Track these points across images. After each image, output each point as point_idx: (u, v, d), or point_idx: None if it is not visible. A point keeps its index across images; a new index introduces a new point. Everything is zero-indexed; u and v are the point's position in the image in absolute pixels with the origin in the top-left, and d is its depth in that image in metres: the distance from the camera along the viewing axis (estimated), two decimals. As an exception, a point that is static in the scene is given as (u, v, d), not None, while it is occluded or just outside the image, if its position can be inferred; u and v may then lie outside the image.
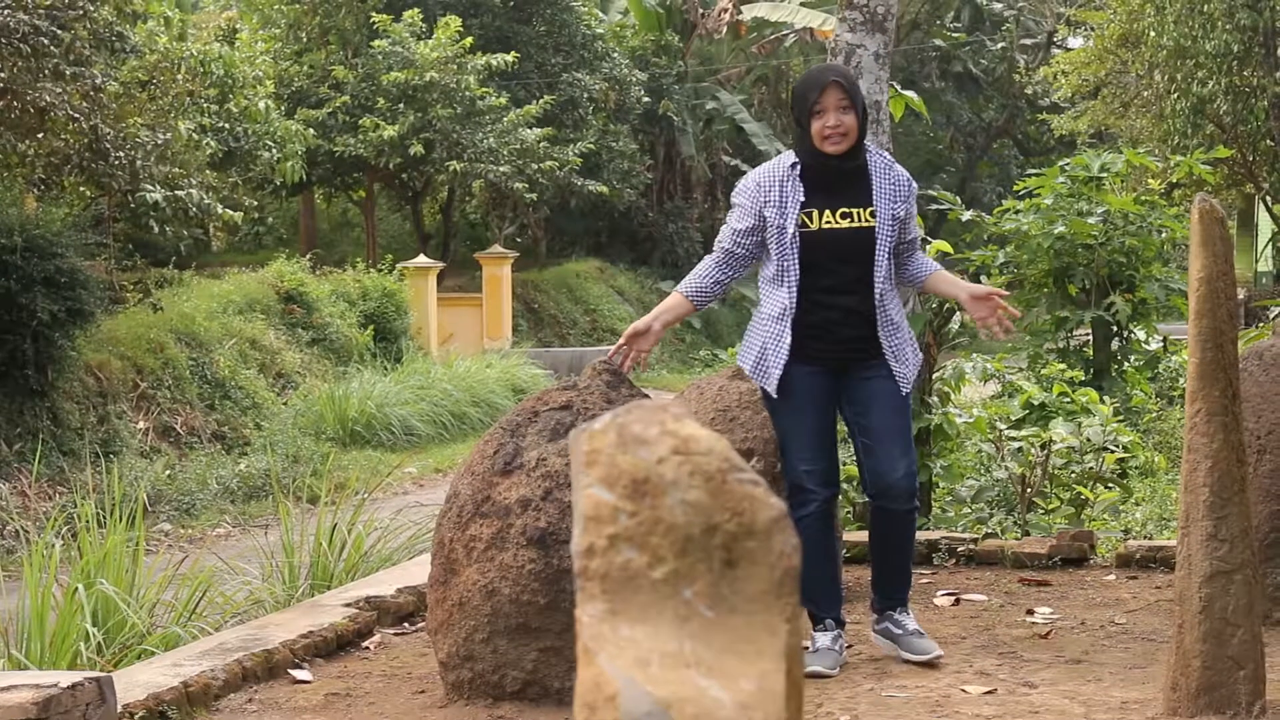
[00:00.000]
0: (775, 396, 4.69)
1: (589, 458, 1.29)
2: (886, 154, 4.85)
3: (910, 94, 6.56)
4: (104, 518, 6.83)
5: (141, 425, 16.19)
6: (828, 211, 4.62)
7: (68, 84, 13.01)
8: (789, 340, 4.62)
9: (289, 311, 19.60)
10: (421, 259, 24.17)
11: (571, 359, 23.92)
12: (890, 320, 4.63)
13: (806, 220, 4.64)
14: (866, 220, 4.62)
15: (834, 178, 4.65)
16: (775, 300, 4.67)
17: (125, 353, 16.08)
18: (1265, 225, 27.19)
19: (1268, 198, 24.36)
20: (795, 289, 4.61)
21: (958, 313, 6.78)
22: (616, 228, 32.89)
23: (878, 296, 4.60)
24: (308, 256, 22.38)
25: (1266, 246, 28.14)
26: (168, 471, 14.27)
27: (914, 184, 4.78)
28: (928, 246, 6.65)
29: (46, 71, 12.83)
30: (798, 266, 4.62)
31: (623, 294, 29.94)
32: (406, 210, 29.88)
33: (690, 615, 1.26)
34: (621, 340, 4.76)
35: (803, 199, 4.64)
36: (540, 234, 32.34)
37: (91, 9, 13.03)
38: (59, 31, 12.57)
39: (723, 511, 1.28)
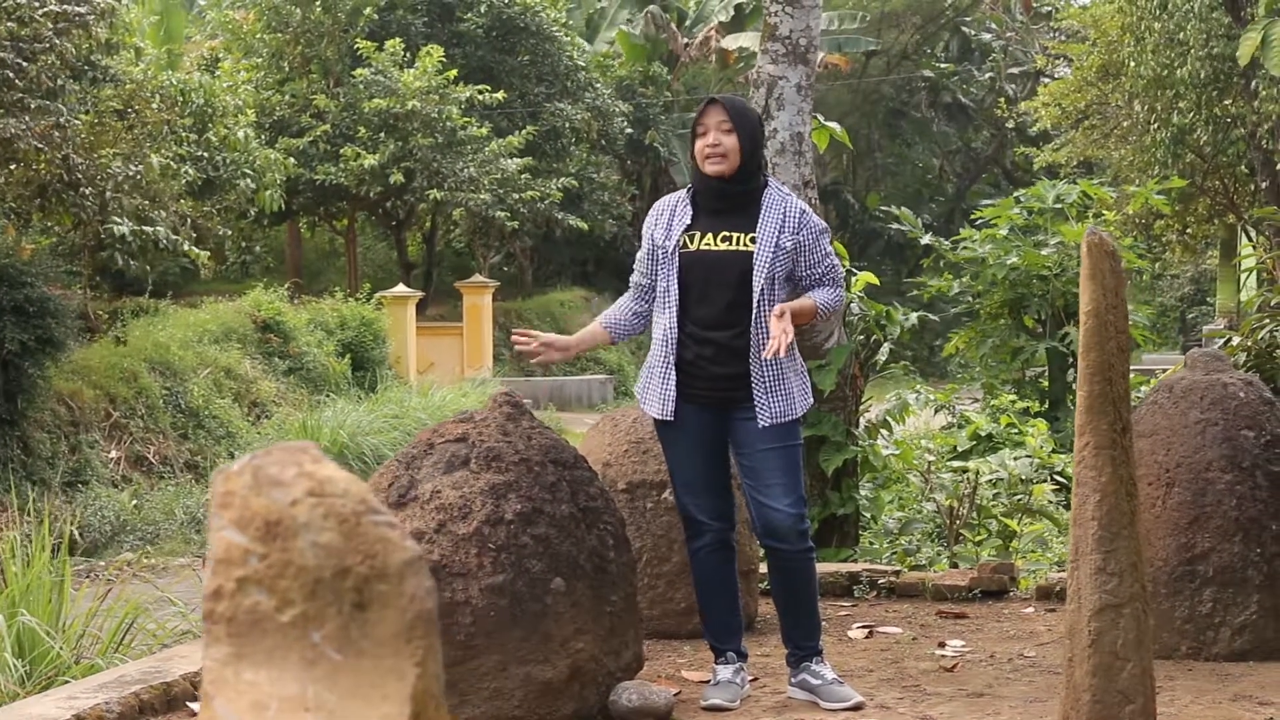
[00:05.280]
0: (659, 424, 4.70)
1: (223, 500, 1.29)
2: (786, 189, 4.84)
3: (834, 125, 6.57)
4: (52, 547, 6.80)
5: (114, 454, 16.17)
6: (709, 234, 4.63)
7: (33, 116, 13.02)
8: (674, 372, 4.62)
9: (266, 340, 19.60)
10: (401, 288, 24.19)
11: (551, 388, 23.92)
12: (767, 357, 4.58)
13: (688, 241, 4.64)
14: (746, 245, 4.60)
15: (720, 202, 4.65)
16: (659, 325, 4.69)
17: (98, 382, 16.08)
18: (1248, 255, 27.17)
19: (1249, 228, 24.39)
20: (675, 312, 4.61)
21: (885, 342, 6.78)
22: (603, 257, 32.95)
23: (753, 330, 4.57)
24: (286, 285, 22.39)
25: (1249, 276, 28.15)
26: (134, 501, 14.24)
27: (813, 218, 4.74)
28: (854, 277, 6.65)
29: (12, 105, 12.85)
30: (677, 287, 4.62)
31: (607, 323, 29.92)
32: (392, 240, 29.93)
33: (317, 659, 1.26)
34: (539, 340, 4.73)
35: (688, 222, 4.66)
36: (526, 263, 32.38)
37: (58, 42, 13.05)
38: (24, 64, 12.60)
39: (355, 554, 1.27)
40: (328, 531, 1.28)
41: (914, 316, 7.51)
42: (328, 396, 19.13)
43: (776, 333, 4.40)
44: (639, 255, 4.83)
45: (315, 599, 1.27)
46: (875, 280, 6.86)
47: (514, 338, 4.86)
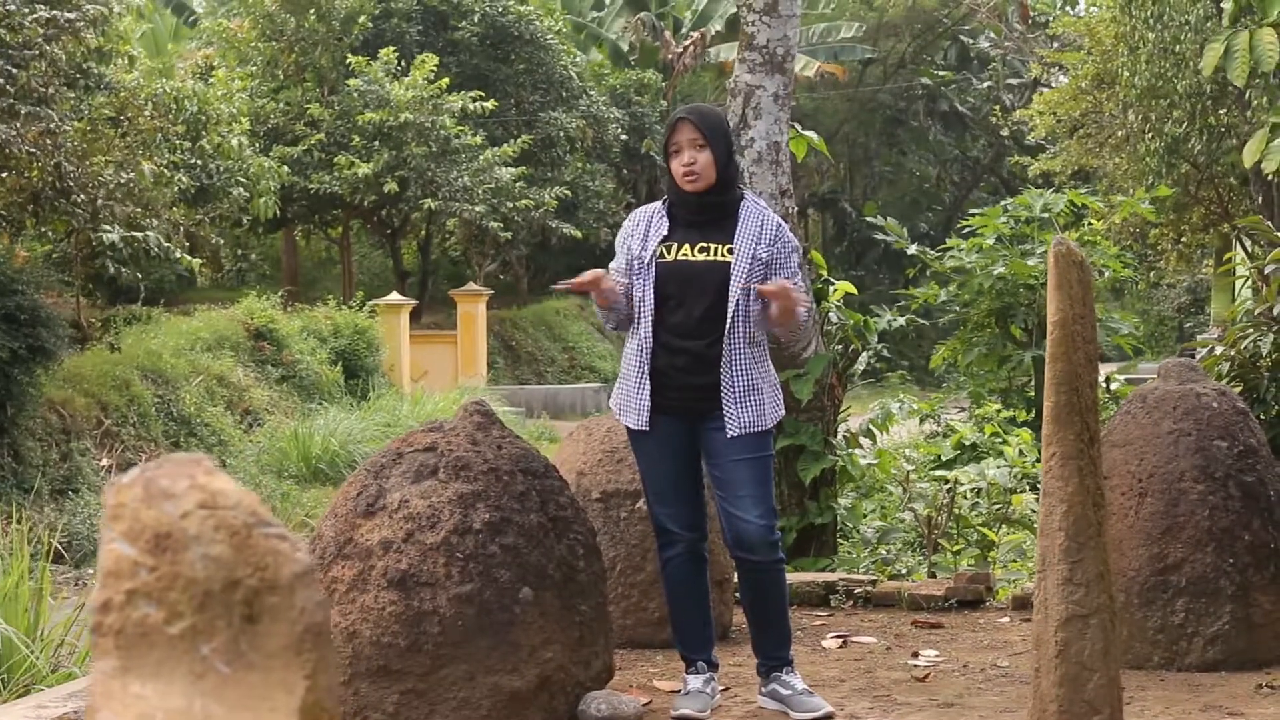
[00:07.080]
0: (632, 433, 4.70)
1: (114, 512, 1.29)
2: (763, 202, 4.84)
3: (811, 134, 6.57)
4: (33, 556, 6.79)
5: (105, 462, 16.15)
6: (686, 245, 4.64)
7: (24, 122, 13.03)
8: (648, 382, 4.63)
9: (259, 348, 19.60)
10: (394, 296, 24.21)
11: (545, 397, 23.91)
12: (739, 367, 4.58)
13: (665, 252, 4.65)
14: (723, 255, 4.60)
15: (698, 214, 4.66)
16: (634, 335, 4.69)
17: (90, 389, 16.06)
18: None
19: (1243, 237, 24.37)
20: (650, 321, 4.61)
21: (864, 352, 6.77)
22: (598, 265, 32.92)
23: (726, 340, 4.57)
24: (280, 293, 22.41)
25: (1244, 285, 28.14)
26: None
27: (788, 235, 4.74)
28: (832, 288, 6.65)
29: (3, 111, 12.86)
30: (652, 296, 4.62)
31: (602, 331, 29.97)
32: (387, 248, 29.96)
33: (206, 672, 1.26)
34: (586, 278, 4.63)
35: (665, 233, 4.67)
36: (521, 271, 32.39)
37: (49, 48, 13.06)
38: (14, 70, 12.61)
39: (245, 566, 1.27)
40: (218, 544, 1.27)
41: (901, 320, 7.51)
42: (320, 404, 19.14)
43: (779, 296, 4.41)
44: (613, 265, 4.81)
45: (205, 611, 1.27)
46: (853, 289, 6.87)
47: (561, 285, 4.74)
